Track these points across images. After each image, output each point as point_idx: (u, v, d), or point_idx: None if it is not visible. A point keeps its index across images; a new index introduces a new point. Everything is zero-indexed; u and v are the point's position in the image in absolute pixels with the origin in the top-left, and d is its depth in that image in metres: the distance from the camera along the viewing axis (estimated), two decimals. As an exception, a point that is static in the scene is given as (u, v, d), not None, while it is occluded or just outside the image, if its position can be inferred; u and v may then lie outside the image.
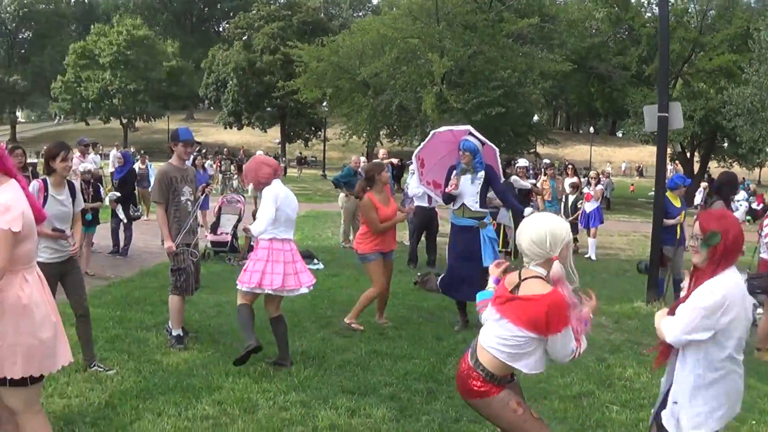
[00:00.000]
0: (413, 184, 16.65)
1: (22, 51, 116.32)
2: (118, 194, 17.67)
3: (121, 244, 17.72)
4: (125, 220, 17.56)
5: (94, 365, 8.54)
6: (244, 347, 8.61)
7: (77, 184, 9.99)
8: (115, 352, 9.33)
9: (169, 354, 9.40)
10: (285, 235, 8.86)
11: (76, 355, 8.80)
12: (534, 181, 22.60)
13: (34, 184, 8.30)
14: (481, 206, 10.98)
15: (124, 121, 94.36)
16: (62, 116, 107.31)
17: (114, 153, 30.34)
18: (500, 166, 11.62)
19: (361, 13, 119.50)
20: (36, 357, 5.01)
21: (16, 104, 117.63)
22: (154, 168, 26.39)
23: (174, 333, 9.80)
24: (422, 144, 12.13)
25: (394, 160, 23.63)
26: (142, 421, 7.10)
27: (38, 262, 7.82)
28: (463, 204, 11.02)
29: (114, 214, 17.76)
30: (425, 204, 16.56)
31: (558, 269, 4.98)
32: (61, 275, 8.37)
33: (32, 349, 4.98)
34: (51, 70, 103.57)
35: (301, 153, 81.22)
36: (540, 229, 5.06)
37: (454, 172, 11.07)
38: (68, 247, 8.36)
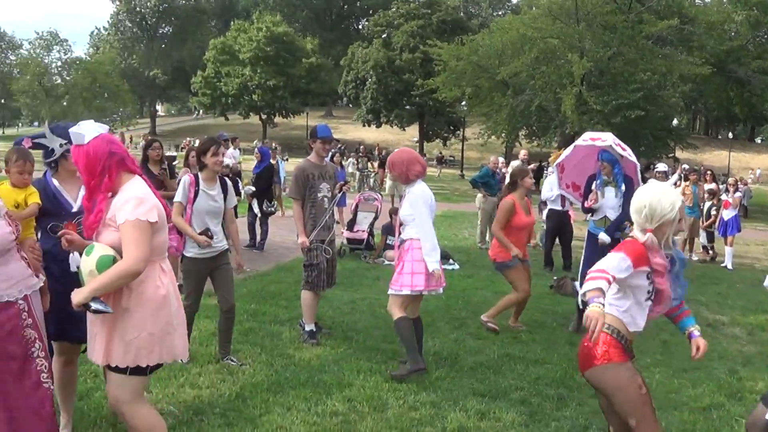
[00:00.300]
0: (546, 188, 16.45)
1: (163, 46, 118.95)
2: (254, 188, 17.84)
3: (258, 238, 17.87)
4: (259, 215, 17.71)
5: (227, 359, 8.60)
6: (410, 368, 8.34)
7: None
8: (248, 344, 9.38)
9: (301, 349, 9.41)
10: None
11: (210, 346, 8.96)
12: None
13: (186, 179, 8.43)
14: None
15: (263, 116, 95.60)
16: (201, 111, 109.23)
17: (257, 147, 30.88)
18: (639, 180, 11.33)
19: (500, 12, 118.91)
20: (167, 346, 5.12)
21: (156, 98, 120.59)
22: (283, 164, 26.74)
23: (307, 328, 9.80)
24: (563, 155, 11.91)
25: (532, 166, 23.40)
26: (271, 414, 7.11)
27: (188, 257, 8.11)
28: (606, 216, 10.80)
29: (250, 208, 17.95)
30: (559, 207, 16.33)
31: (650, 238, 4.97)
32: (210, 270, 8.46)
33: (166, 338, 5.08)
34: (191, 65, 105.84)
35: (441, 152, 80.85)
36: (642, 198, 5.09)
37: (595, 183, 10.87)
38: (219, 242, 8.44)
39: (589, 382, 5.37)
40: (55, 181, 6.10)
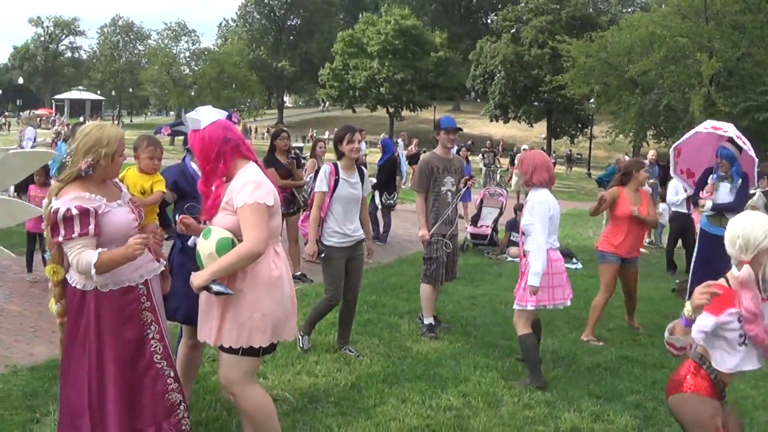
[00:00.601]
0: (671, 192, 16.18)
1: (291, 38, 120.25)
2: (374, 180, 17.86)
3: (381, 229, 17.93)
4: (379, 207, 17.79)
5: (345, 349, 8.67)
6: (529, 383, 8.11)
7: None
8: (367, 335, 9.47)
9: (419, 342, 9.44)
10: (556, 244, 8.54)
11: (329, 336, 9.04)
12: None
13: (326, 168, 8.54)
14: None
15: (391, 109, 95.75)
16: (329, 103, 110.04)
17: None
18: (755, 175, 11.06)
19: (629, 9, 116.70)
20: (278, 327, 5.22)
21: (283, 89, 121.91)
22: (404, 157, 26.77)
23: (425, 321, 9.81)
24: (682, 138, 11.73)
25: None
26: (385, 405, 7.15)
27: (328, 246, 8.27)
28: (721, 214, 10.57)
29: (372, 200, 17.99)
30: (683, 210, 16.04)
31: (746, 272, 4.73)
32: (347, 259, 8.53)
33: (278, 320, 5.19)
34: (319, 57, 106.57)
35: (570, 151, 79.88)
36: (734, 229, 4.87)
37: (712, 176, 10.67)
38: (356, 232, 8.52)
39: (669, 409, 5.24)
40: (194, 165, 6.25)
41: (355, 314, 9.16)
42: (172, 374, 5.36)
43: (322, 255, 8.42)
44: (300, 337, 8.56)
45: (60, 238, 4.88)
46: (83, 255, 4.83)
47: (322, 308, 8.69)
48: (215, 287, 4.93)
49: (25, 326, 9.47)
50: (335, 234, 8.37)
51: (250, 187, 5.01)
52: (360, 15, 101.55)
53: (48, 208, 5.03)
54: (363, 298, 10.81)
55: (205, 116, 5.19)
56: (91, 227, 4.86)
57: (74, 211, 4.83)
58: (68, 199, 4.89)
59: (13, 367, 7.87)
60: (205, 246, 5.03)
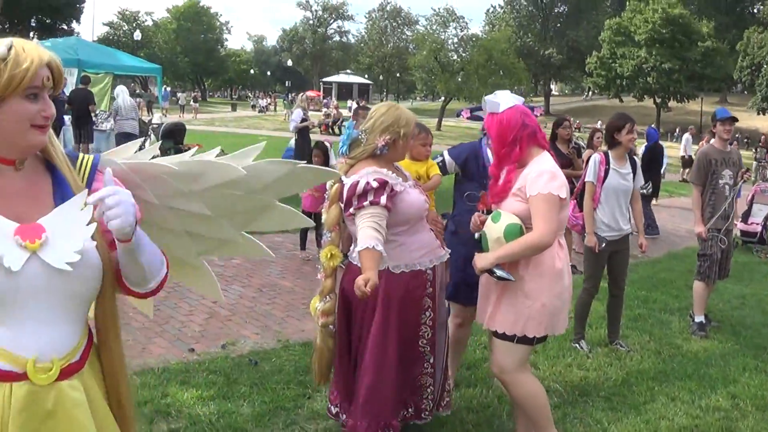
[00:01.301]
0: None
1: (558, 25, 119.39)
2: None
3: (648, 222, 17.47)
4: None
5: (616, 343, 8.65)
6: None
7: None
8: (637, 331, 9.39)
9: (689, 340, 9.29)
10: None
11: (600, 329, 9.07)
12: None
13: (596, 157, 8.50)
14: None
15: (657, 100, 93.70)
16: (594, 91, 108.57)
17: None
18: None
19: None
20: (554, 319, 5.22)
21: (550, 77, 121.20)
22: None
23: (696, 320, 9.66)
24: None
25: None
26: (655, 403, 7.08)
27: (598, 236, 8.12)
28: None
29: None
30: None
31: None
32: (612, 252, 8.48)
33: (555, 311, 5.19)
34: (586, 45, 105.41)
35: None
36: None
37: None
38: (625, 225, 8.49)
39: None
40: (489, 152, 6.24)
41: (625, 309, 9.16)
42: (432, 360, 5.41)
43: (603, 245, 8.41)
44: (577, 345, 8.52)
45: (352, 209, 4.95)
46: (368, 229, 4.80)
47: (584, 299, 8.67)
48: (498, 272, 5.00)
49: (297, 302, 9.86)
50: (603, 226, 8.36)
51: (546, 177, 5.00)
52: (627, 2, 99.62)
53: (334, 185, 5.19)
54: (633, 292, 10.84)
55: (505, 100, 5.20)
56: (383, 198, 4.88)
57: (374, 184, 4.90)
58: (366, 173, 4.99)
59: (285, 342, 8.22)
60: (493, 229, 5.09)
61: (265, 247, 3.56)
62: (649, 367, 8.08)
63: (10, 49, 2.45)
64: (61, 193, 2.67)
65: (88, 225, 2.58)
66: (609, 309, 8.83)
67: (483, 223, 5.32)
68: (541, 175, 5.01)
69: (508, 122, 5.13)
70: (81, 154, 2.87)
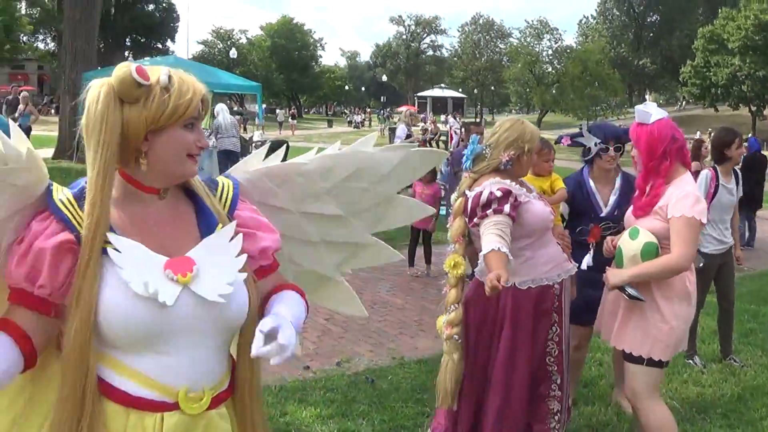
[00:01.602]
0: None
1: (651, 34, 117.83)
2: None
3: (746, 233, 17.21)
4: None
5: (730, 358, 8.56)
6: None
7: None
8: (750, 346, 9.24)
9: (803, 355, 9.13)
10: None
11: (712, 344, 8.96)
12: None
13: (707, 173, 8.36)
14: None
15: (753, 108, 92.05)
16: (688, 101, 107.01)
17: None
18: None
19: None
20: (680, 342, 5.17)
21: (644, 87, 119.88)
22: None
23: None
24: None
25: None
26: (773, 419, 6.98)
27: (704, 253, 7.82)
28: None
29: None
30: None
31: None
32: (719, 266, 8.36)
33: (681, 334, 5.13)
34: (679, 54, 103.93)
35: None
36: None
37: None
38: (728, 238, 8.39)
39: None
40: (591, 182, 6.35)
41: (736, 323, 9.05)
42: (558, 381, 5.26)
43: (700, 264, 8.37)
44: (691, 360, 8.40)
45: (476, 219, 4.87)
46: (492, 235, 4.67)
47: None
48: (630, 290, 4.96)
49: (409, 320, 9.96)
50: (713, 241, 8.26)
51: (692, 199, 4.92)
52: (719, 10, 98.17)
53: (458, 199, 5.18)
54: (742, 307, 10.61)
55: (655, 111, 5.11)
56: (507, 206, 4.78)
57: (498, 194, 4.81)
58: (490, 183, 4.93)
59: (400, 359, 8.28)
60: (630, 246, 5.06)
61: (392, 248, 3.64)
62: (764, 383, 7.94)
63: (170, 78, 2.55)
64: (206, 221, 2.73)
65: (237, 257, 2.66)
66: (720, 323, 8.74)
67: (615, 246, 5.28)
68: (687, 197, 4.93)
69: (659, 134, 5.04)
70: (220, 181, 2.93)
